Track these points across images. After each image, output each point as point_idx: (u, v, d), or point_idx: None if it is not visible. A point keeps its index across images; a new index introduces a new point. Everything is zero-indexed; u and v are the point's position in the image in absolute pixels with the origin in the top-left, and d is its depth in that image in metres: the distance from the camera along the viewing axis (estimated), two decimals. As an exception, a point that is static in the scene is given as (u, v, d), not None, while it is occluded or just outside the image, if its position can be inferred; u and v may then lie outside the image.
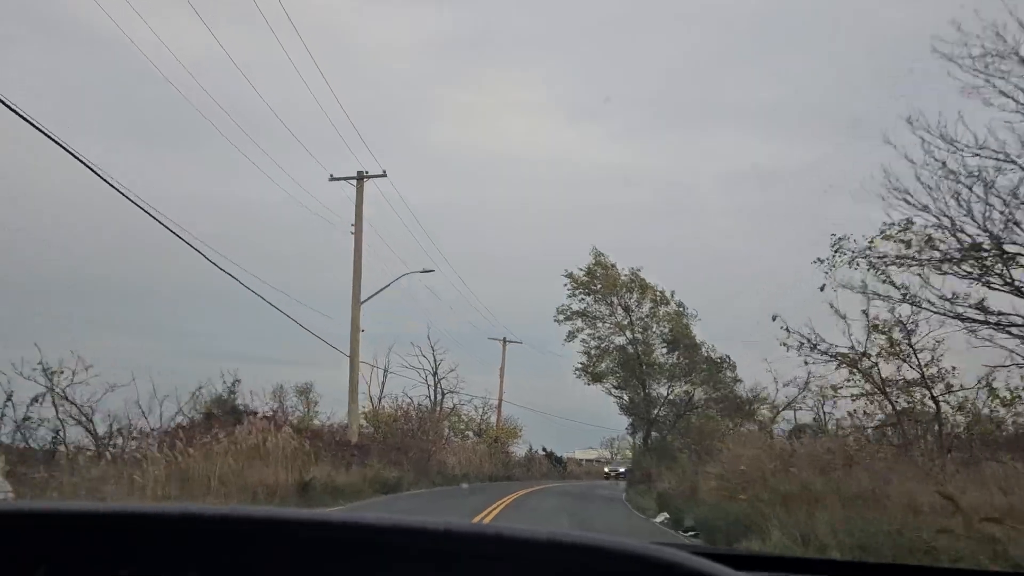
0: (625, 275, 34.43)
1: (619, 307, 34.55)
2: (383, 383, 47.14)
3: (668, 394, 34.02)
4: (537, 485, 42.93)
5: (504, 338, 62.24)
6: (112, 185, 16.38)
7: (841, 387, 16.85)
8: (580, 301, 35.00)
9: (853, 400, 16.78)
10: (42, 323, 42.61)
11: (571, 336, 35.36)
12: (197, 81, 47.12)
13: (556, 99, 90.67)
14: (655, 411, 34.05)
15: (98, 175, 15.70)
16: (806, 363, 17.10)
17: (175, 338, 57.21)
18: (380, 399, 46.56)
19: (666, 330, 34.43)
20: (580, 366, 35.49)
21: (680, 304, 34.77)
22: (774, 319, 17.11)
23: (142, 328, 53.01)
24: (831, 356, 16.71)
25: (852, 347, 16.78)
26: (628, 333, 34.68)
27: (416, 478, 35.82)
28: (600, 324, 35.24)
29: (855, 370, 16.63)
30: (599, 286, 34.09)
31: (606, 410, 64.08)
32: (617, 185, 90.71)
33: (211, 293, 66.17)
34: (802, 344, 16.53)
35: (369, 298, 31.15)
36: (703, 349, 32.58)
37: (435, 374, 54.12)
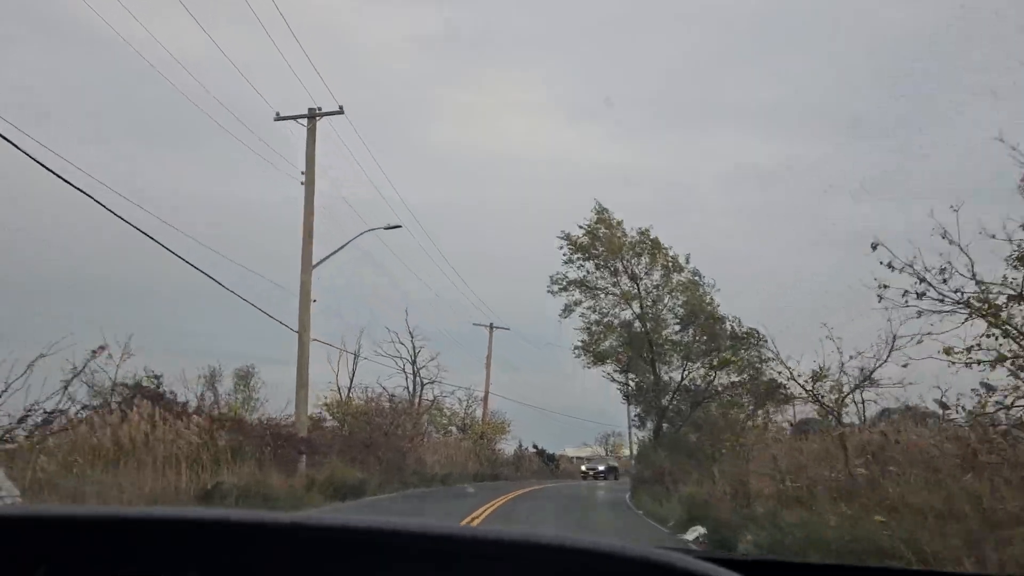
0: (632, 236, 28.81)
1: (624, 275, 28.92)
2: (353, 371, 41.45)
3: (683, 378, 28.43)
4: (527, 486, 37.53)
5: (491, 324, 56.93)
6: (101, 204, 15.32)
7: (973, 348, 11.41)
8: (579, 268, 29.34)
9: (992, 368, 11.36)
10: (42, 323, 40.49)
11: (568, 310, 29.75)
12: (197, 79, 44.12)
13: (556, 99, 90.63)
14: (667, 398, 28.48)
15: (89, 196, 14.84)
16: (918, 315, 11.72)
17: (176, 338, 56.71)
18: (350, 389, 40.90)
19: (679, 302, 28.84)
20: (580, 344, 29.74)
21: (696, 272, 29.20)
22: (874, 248, 11.72)
23: (142, 328, 50.98)
24: (960, 302, 11.31)
25: (980, 286, 11.39)
26: (635, 306, 29.04)
27: (386, 479, 30.85)
28: (602, 296, 29.62)
29: (995, 322, 11.23)
30: (601, 249, 28.44)
31: (604, 405, 59.66)
32: (617, 185, 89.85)
33: (211, 293, 63.07)
34: (921, 280, 11.15)
35: (322, 261, 25.61)
36: (727, 323, 27.08)
37: (414, 363, 48.69)
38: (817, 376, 16.04)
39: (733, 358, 24.79)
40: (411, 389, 48.09)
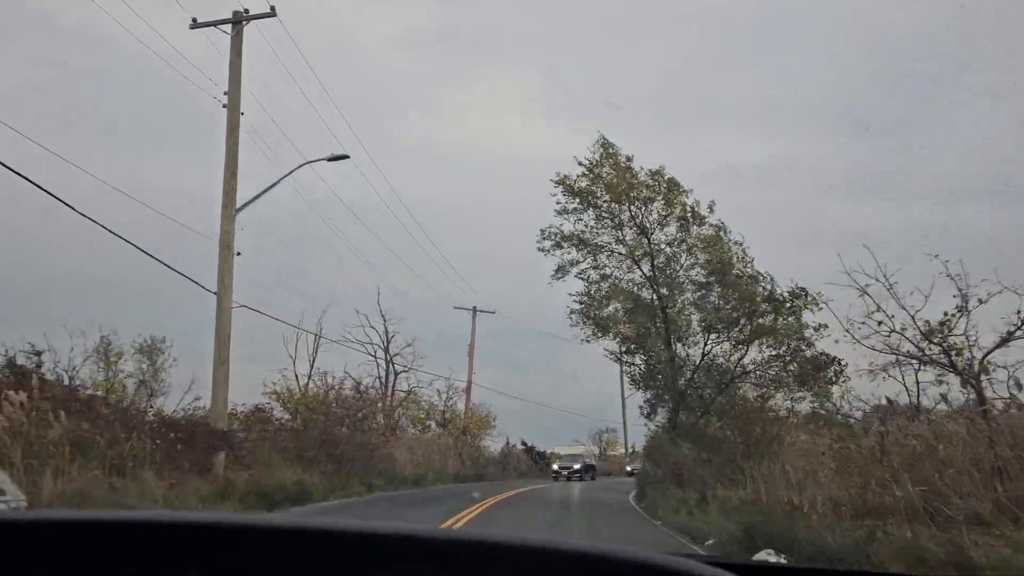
0: (643, 178, 22.98)
1: (631, 227, 23.17)
2: (313, 356, 35.74)
3: (705, 354, 22.78)
4: (513, 488, 32.02)
5: (474, 307, 51.45)
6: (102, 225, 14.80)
7: None
8: (577, 220, 23.52)
9: None
10: (42, 323, 39.84)
11: (561, 271, 24.01)
12: (202, 72, 40.89)
13: (556, 99, 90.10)
14: (684, 379, 22.87)
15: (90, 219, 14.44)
16: None
17: (175, 338, 52.45)
18: (309, 376, 35.21)
19: (700, 261, 23.16)
20: (579, 305, 23.87)
21: (720, 226, 23.40)
22: None
23: (142, 328, 49.64)
24: None
25: None
26: (645, 266, 23.35)
27: (345, 481, 25.70)
28: (604, 256, 23.90)
29: None
30: (604, 196, 22.67)
31: (601, 402, 55.45)
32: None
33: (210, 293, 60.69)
34: None
35: (249, 203, 20.01)
36: (761, 285, 21.47)
37: (387, 349, 43.09)
38: (945, 327, 10.67)
39: (800, 303, 19.15)
40: (383, 378, 42.65)
